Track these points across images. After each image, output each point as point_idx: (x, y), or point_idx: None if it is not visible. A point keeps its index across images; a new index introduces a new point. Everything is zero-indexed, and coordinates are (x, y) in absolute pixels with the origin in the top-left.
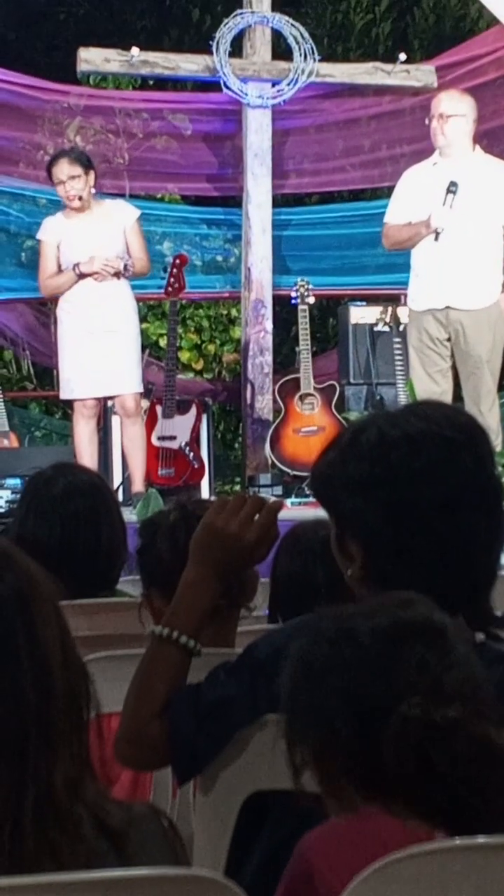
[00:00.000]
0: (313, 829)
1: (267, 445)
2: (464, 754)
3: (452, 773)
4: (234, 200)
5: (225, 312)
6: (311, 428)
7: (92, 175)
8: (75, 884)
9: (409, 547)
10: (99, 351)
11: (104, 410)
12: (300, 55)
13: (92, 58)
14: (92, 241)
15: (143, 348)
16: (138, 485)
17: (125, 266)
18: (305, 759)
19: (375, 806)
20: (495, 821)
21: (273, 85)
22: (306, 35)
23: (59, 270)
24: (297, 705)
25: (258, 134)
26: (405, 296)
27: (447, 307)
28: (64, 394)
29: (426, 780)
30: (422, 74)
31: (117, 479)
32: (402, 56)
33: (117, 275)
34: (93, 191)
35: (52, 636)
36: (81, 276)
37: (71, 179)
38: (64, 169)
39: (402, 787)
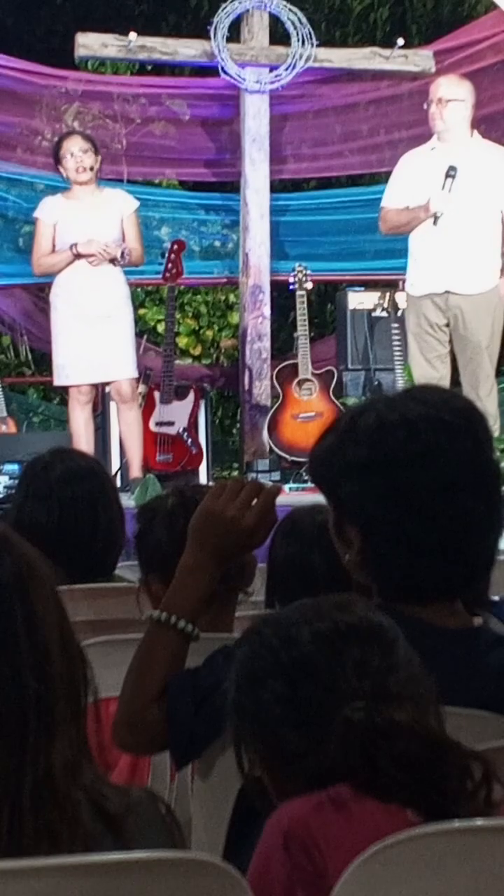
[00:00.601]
0: (293, 801)
1: (265, 431)
2: (408, 754)
3: (399, 772)
4: (231, 186)
5: (223, 298)
6: (308, 413)
7: (98, 159)
8: (74, 867)
9: (407, 531)
10: (94, 337)
11: (102, 396)
12: (298, 40)
13: (90, 43)
14: (89, 225)
15: (142, 334)
16: (136, 470)
17: (122, 253)
18: (253, 760)
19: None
20: (457, 797)
21: (271, 70)
22: (304, 20)
23: (53, 251)
24: (241, 711)
25: (256, 119)
26: (403, 281)
27: (446, 292)
28: (58, 380)
29: (375, 779)
30: (420, 59)
31: (115, 464)
32: (400, 41)
33: (113, 261)
34: (98, 175)
35: (50, 621)
36: (78, 256)
37: (83, 152)
38: (77, 142)
39: (353, 782)
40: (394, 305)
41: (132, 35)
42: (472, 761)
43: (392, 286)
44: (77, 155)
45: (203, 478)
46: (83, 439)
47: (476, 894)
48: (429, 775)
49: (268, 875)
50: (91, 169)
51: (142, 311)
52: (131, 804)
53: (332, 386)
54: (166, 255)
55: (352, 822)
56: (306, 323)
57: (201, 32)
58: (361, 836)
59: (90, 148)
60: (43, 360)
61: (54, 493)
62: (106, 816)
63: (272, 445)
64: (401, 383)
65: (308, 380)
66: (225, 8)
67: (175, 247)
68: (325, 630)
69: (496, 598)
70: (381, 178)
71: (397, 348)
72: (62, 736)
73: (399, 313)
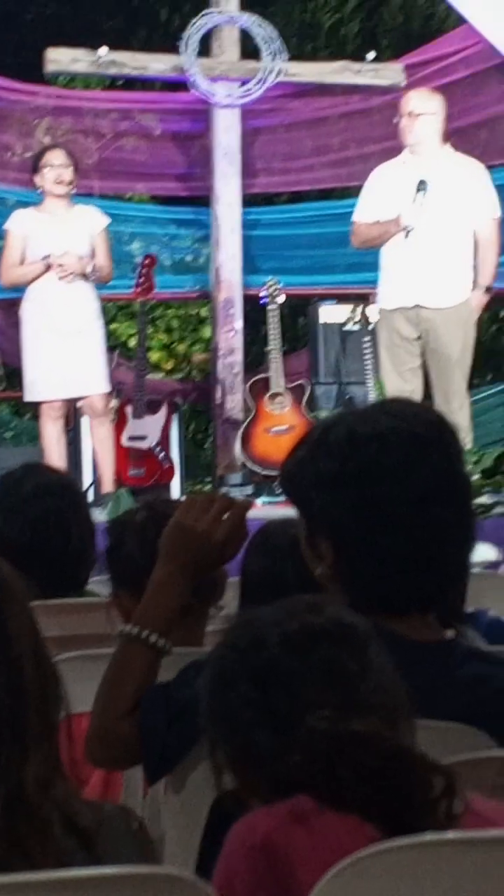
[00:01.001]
0: (254, 814)
1: (237, 445)
2: (369, 766)
3: (359, 784)
4: (203, 200)
5: (194, 312)
6: (281, 427)
7: (76, 177)
8: (46, 883)
9: (378, 544)
10: (65, 351)
11: (74, 411)
12: (268, 54)
13: (60, 58)
14: (59, 239)
15: (113, 348)
16: (108, 485)
17: (92, 268)
18: (223, 761)
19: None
20: (418, 811)
21: (241, 84)
22: (274, 34)
23: (22, 264)
24: (212, 713)
25: (227, 133)
26: (375, 295)
27: (417, 306)
28: (29, 395)
29: (336, 790)
30: (390, 73)
31: (87, 479)
32: (371, 55)
33: (84, 276)
34: (73, 191)
35: (23, 636)
36: (48, 267)
37: (63, 167)
38: (60, 156)
39: (315, 793)
40: (365, 319)
41: (102, 50)
42: (434, 774)
43: (363, 300)
44: (57, 168)
45: (176, 492)
46: (55, 454)
47: None
48: (389, 789)
49: (231, 889)
50: (69, 184)
51: (113, 326)
52: (103, 819)
53: (305, 399)
54: (138, 269)
55: (313, 835)
56: (278, 336)
57: (172, 47)
58: (323, 849)
59: (71, 164)
60: (14, 376)
61: (25, 508)
62: (78, 832)
63: (245, 459)
64: (372, 396)
65: (280, 393)
66: (195, 23)
67: (146, 261)
68: (294, 632)
69: (471, 609)
70: (353, 192)
71: (368, 362)
72: (34, 752)
73: (370, 327)
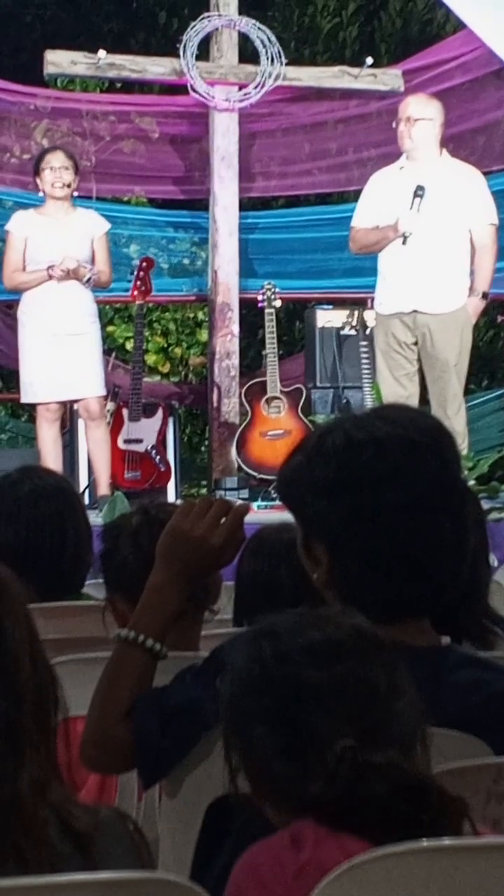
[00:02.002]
0: (258, 846)
1: (233, 449)
2: (389, 797)
3: (374, 812)
4: (200, 203)
5: (191, 316)
6: (277, 431)
7: (77, 178)
8: (41, 887)
9: (373, 550)
10: (61, 354)
11: (70, 413)
12: (267, 59)
13: (58, 60)
14: (59, 242)
15: (110, 351)
16: (104, 488)
17: (89, 279)
18: (238, 766)
19: (306, 817)
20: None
21: (240, 88)
22: (273, 38)
23: (24, 266)
24: (230, 723)
25: (225, 137)
26: (372, 299)
27: (414, 311)
28: (26, 397)
29: (349, 814)
30: (388, 78)
31: (83, 482)
32: (369, 60)
33: (79, 278)
34: (74, 194)
35: (21, 640)
36: (51, 278)
37: (63, 169)
38: (59, 157)
39: (324, 813)
40: (362, 324)
41: (101, 53)
42: (448, 805)
43: (360, 304)
44: (56, 169)
45: (171, 495)
46: (51, 457)
47: None
48: (403, 818)
49: None
50: (68, 186)
51: (110, 329)
52: (99, 823)
53: (301, 404)
54: (135, 272)
55: (314, 862)
56: (275, 341)
57: (171, 50)
58: (319, 873)
59: (71, 165)
60: (10, 377)
61: (21, 510)
62: (74, 836)
63: (240, 463)
64: (369, 401)
65: (276, 397)
66: (194, 26)
67: (144, 264)
68: (320, 645)
69: None
70: (350, 197)
71: (366, 366)
72: (31, 755)
73: (367, 331)
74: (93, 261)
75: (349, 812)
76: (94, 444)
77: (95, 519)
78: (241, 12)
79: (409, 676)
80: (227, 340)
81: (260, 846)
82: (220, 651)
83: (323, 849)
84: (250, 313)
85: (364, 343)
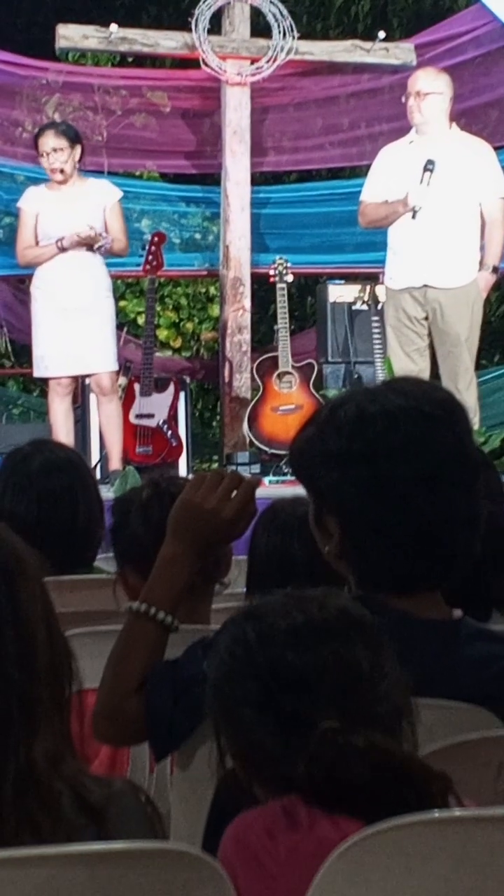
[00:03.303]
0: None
1: (245, 423)
2: (373, 777)
3: (360, 791)
4: (212, 178)
5: (203, 290)
6: (288, 406)
7: (78, 150)
8: (55, 857)
9: (386, 522)
10: (73, 329)
11: (82, 388)
12: (279, 32)
13: (70, 34)
14: (71, 216)
15: (122, 326)
16: (115, 462)
17: (101, 247)
18: (226, 747)
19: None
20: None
21: (252, 62)
22: (285, 12)
23: (36, 241)
24: (216, 705)
25: (237, 111)
26: (383, 274)
27: (425, 286)
28: (37, 371)
29: (334, 793)
30: (401, 52)
31: (95, 456)
32: (381, 34)
33: (90, 247)
34: (77, 166)
35: (36, 612)
36: (63, 250)
37: (54, 152)
38: (49, 141)
39: (310, 793)
40: (374, 298)
41: (113, 27)
42: (432, 781)
43: (372, 279)
44: (48, 154)
45: (183, 470)
46: (62, 431)
47: (455, 885)
48: (389, 796)
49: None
50: (62, 171)
51: (122, 304)
52: (112, 795)
53: (313, 379)
54: (147, 247)
55: (305, 836)
56: (286, 316)
57: (182, 24)
58: (314, 849)
59: (64, 144)
60: (23, 352)
61: (33, 484)
62: (88, 807)
63: (252, 438)
64: (381, 376)
65: (288, 372)
66: (206, 0)
67: (155, 239)
68: (303, 627)
69: None
70: (362, 172)
71: (377, 341)
72: (45, 727)
73: (379, 306)
74: (106, 231)
75: (333, 792)
76: (105, 419)
77: (107, 493)
78: None
79: (394, 655)
80: (239, 315)
81: (249, 817)
82: None
83: (319, 828)
84: (262, 288)
85: (375, 318)
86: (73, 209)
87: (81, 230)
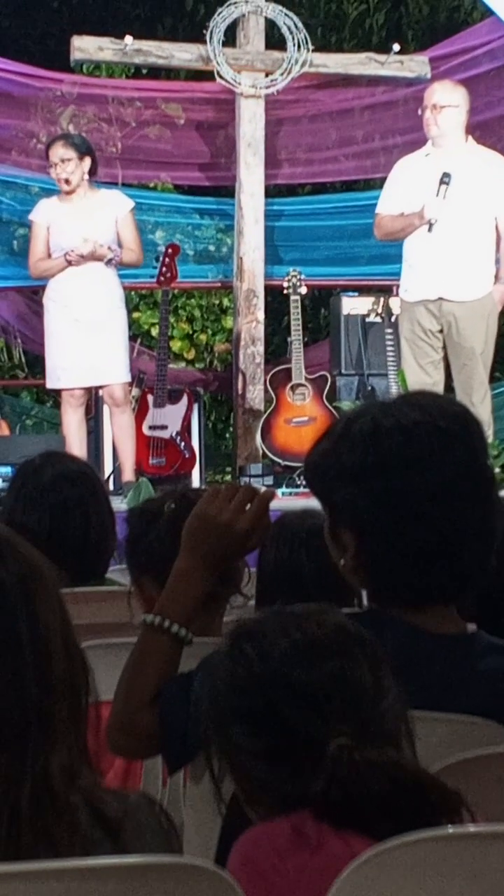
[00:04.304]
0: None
1: (258, 435)
2: (385, 793)
3: (371, 807)
4: (226, 190)
5: (217, 302)
6: (302, 418)
7: (87, 161)
8: (71, 871)
9: (400, 536)
10: (86, 340)
11: (95, 399)
12: (294, 45)
13: (85, 46)
14: (82, 227)
15: (135, 338)
16: (129, 474)
17: (110, 260)
18: (223, 770)
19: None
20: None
21: (266, 75)
22: (300, 25)
23: (48, 253)
24: (213, 726)
25: (251, 123)
26: (397, 287)
27: (440, 298)
28: (50, 383)
29: (344, 810)
30: (415, 65)
31: (108, 468)
32: (396, 47)
33: (99, 259)
34: (86, 177)
35: (53, 625)
36: (70, 264)
37: (62, 162)
38: (58, 151)
39: (319, 811)
40: (388, 311)
41: (128, 39)
42: (442, 795)
43: (386, 292)
44: (57, 165)
45: (196, 482)
46: (75, 442)
47: None
48: (400, 812)
49: None
50: (68, 182)
51: (136, 315)
52: (129, 809)
53: (326, 391)
54: (161, 258)
55: (315, 853)
56: (300, 328)
57: (197, 36)
58: (324, 866)
59: (72, 155)
60: (36, 363)
61: (45, 496)
62: (104, 821)
63: (265, 450)
64: (394, 389)
65: (301, 384)
66: (221, 12)
67: (169, 250)
68: (304, 645)
69: None
70: (376, 184)
71: (391, 354)
72: (62, 740)
73: (393, 319)
74: (119, 242)
75: (349, 810)
76: (118, 431)
77: (120, 505)
78: None
79: (391, 672)
80: (253, 327)
81: (256, 834)
82: None
83: (328, 846)
84: (276, 300)
85: (389, 330)
86: (84, 220)
87: (81, 246)
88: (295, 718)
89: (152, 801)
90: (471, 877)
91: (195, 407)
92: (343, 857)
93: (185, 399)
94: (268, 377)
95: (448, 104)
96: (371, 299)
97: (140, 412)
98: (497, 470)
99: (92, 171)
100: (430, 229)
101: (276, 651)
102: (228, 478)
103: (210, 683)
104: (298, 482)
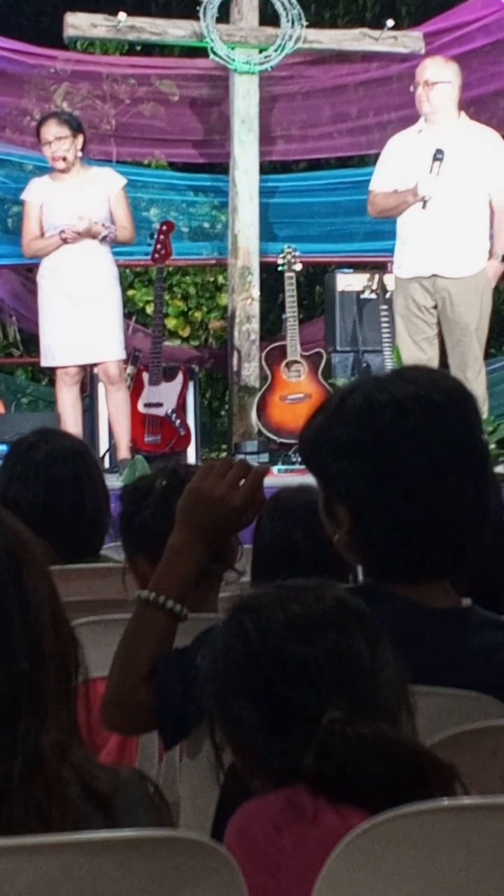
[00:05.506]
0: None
1: (253, 413)
2: (381, 767)
3: (367, 781)
4: (221, 167)
5: (211, 279)
6: (297, 395)
7: (80, 139)
8: (63, 845)
9: (394, 511)
10: (80, 318)
11: (91, 377)
12: (287, 21)
13: (79, 23)
14: (75, 205)
15: (130, 315)
16: (124, 451)
17: (105, 237)
18: (222, 743)
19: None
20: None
21: (260, 51)
22: (293, 1)
23: (42, 233)
24: (213, 699)
25: (245, 100)
26: (392, 263)
27: (434, 275)
28: (45, 361)
29: (340, 785)
30: (409, 41)
31: (104, 445)
32: (390, 22)
33: (93, 237)
34: (80, 155)
35: (43, 601)
36: (65, 241)
37: (57, 140)
38: (51, 129)
39: (315, 784)
40: (382, 287)
41: (121, 15)
42: (437, 769)
43: (381, 268)
44: (52, 144)
45: (191, 459)
46: (70, 420)
47: (464, 873)
48: (396, 786)
49: None
50: (65, 160)
51: (130, 293)
52: (120, 784)
53: (321, 367)
54: (155, 236)
55: (310, 827)
56: (295, 305)
57: (191, 13)
58: (320, 840)
59: (66, 133)
60: (31, 341)
61: (39, 473)
62: (95, 796)
63: (260, 427)
64: (389, 365)
65: (297, 361)
66: None
67: (164, 228)
68: (302, 619)
69: None
70: (371, 160)
71: (386, 330)
72: (52, 716)
73: (388, 295)
74: (112, 219)
75: (342, 783)
76: (113, 408)
77: (116, 482)
78: None
79: (390, 645)
80: (248, 304)
81: (252, 809)
82: None
83: (324, 819)
84: (270, 277)
85: (384, 307)
86: (77, 198)
87: (76, 224)
88: (291, 692)
89: (144, 776)
90: (465, 849)
91: (190, 384)
92: (339, 831)
93: (180, 376)
94: (263, 354)
95: (440, 80)
96: (366, 276)
97: (135, 390)
98: (492, 446)
99: (82, 149)
100: (423, 206)
101: (275, 625)
102: (224, 455)
103: (209, 656)
104: (294, 459)
